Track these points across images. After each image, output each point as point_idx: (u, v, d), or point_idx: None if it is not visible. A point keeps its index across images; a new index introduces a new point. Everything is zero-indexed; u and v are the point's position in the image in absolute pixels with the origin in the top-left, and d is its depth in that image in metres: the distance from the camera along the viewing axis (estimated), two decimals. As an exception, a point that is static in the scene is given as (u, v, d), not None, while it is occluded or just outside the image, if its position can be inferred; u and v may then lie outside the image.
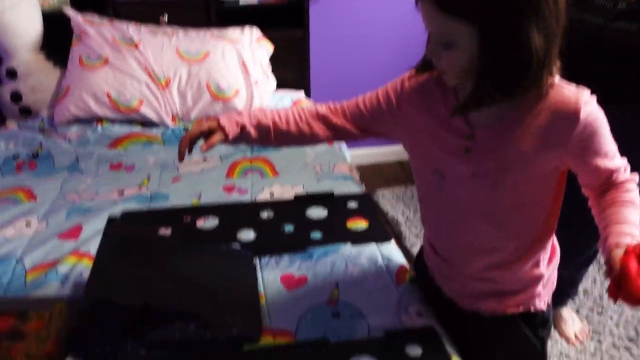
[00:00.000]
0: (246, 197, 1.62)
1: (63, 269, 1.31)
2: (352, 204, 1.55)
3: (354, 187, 1.67)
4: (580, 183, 0.98)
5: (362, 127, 1.09)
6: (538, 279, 1.05)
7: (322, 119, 1.08)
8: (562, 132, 0.87)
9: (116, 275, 1.12)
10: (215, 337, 1.07)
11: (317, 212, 1.52)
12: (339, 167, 1.78)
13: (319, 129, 1.08)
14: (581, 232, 1.36)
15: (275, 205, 1.55)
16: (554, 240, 1.07)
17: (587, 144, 0.89)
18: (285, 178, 1.71)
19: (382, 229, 1.45)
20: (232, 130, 1.03)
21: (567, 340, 1.78)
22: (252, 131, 1.06)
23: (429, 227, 1.15)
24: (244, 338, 1.08)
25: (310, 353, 1.07)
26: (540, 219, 0.99)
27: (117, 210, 1.53)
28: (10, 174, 1.75)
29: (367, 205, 1.54)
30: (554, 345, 1.76)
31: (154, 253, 1.22)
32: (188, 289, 1.14)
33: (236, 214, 1.51)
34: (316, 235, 1.42)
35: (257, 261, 1.33)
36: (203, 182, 1.70)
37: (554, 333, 1.80)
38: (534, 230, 1.00)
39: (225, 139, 1.03)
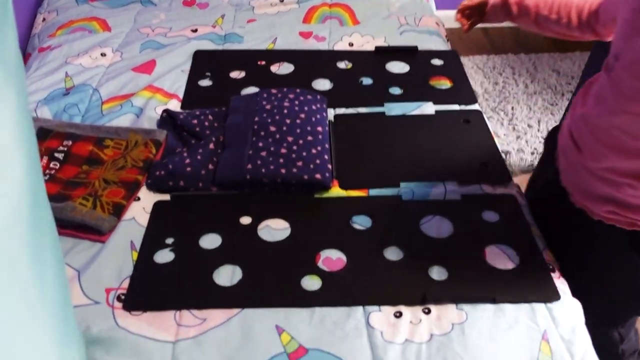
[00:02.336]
0: (323, 45, 1.53)
1: (138, 102, 1.30)
2: (437, 61, 1.44)
3: (440, 43, 1.54)
4: None
5: (600, 24, 0.99)
6: None
7: (581, 12, 1.01)
8: None
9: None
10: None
11: (398, 67, 1.43)
12: (425, 20, 1.63)
13: (577, 24, 1.02)
14: None
15: (354, 55, 1.46)
16: None
17: None
18: (366, 28, 1.59)
19: (468, 89, 1.35)
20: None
21: None
22: (514, 8, 1.09)
23: (580, 105, 0.97)
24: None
25: (382, 205, 1.05)
26: None
27: (190, 48, 1.49)
28: (85, 2, 1.71)
29: (453, 64, 1.43)
30: None
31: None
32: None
33: (312, 62, 1.43)
34: (395, 90, 1.34)
35: (331, 112, 1.27)
36: (279, 25, 1.61)
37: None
38: None
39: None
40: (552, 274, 0.94)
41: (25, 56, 1.55)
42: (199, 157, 1.10)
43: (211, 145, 1.12)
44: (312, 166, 1.06)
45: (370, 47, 1.50)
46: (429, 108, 1.28)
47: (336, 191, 1.08)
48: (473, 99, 1.31)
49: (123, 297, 0.87)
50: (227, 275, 0.92)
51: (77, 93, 1.33)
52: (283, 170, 1.04)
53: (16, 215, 0.51)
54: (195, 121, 1.20)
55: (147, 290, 0.89)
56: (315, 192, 1.07)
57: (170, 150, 1.15)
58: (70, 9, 1.67)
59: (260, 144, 1.09)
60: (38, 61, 1.46)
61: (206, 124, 1.20)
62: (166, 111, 1.23)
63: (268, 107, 1.18)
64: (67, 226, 0.98)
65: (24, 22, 1.68)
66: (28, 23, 1.70)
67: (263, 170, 1.04)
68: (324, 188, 1.06)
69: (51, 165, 1.12)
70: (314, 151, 1.09)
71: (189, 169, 1.07)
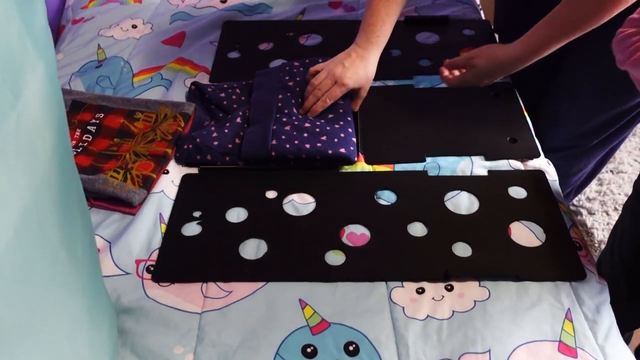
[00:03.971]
0: (352, 15, 1.51)
1: (167, 74, 1.31)
2: (468, 32, 1.41)
3: (471, 12, 1.50)
4: None
5: None
6: None
7: None
8: None
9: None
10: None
11: (428, 38, 1.40)
12: (457, -12, 1.59)
13: None
14: None
15: (383, 26, 1.43)
16: None
17: None
18: (397, -3, 1.56)
19: (499, 61, 1.31)
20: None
21: None
22: None
23: None
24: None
25: (407, 180, 1.05)
26: None
27: (218, 18, 1.48)
28: (116, -27, 1.72)
29: (486, 34, 1.39)
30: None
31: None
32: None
33: (341, 33, 1.41)
34: (426, 62, 1.32)
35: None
36: (308, -5, 1.59)
37: None
38: None
39: None
40: (579, 252, 0.93)
41: (59, 29, 1.57)
42: (226, 130, 1.11)
43: (238, 119, 1.13)
44: (336, 140, 1.06)
45: (400, 17, 1.46)
46: (458, 81, 1.26)
47: (361, 166, 1.08)
48: (504, 71, 1.28)
49: (152, 268, 0.90)
50: (253, 249, 0.94)
51: (109, 65, 1.35)
52: (307, 145, 1.05)
53: (45, 188, 0.53)
54: (222, 94, 1.21)
55: (175, 263, 0.91)
56: (340, 167, 1.08)
57: (199, 124, 1.17)
58: (102, -20, 1.69)
59: (284, 119, 1.10)
60: (72, 33, 1.48)
61: (233, 97, 1.21)
62: (195, 84, 1.24)
63: (290, 84, 1.17)
64: (99, 198, 1.02)
65: (58, -6, 1.70)
66: (61, -5, 1.72)
67: (287, 145, 1.05)
68: (348, 163, 1.07)
69: (84, 137, 1.15)
70: (337, 125, 1.09)
71: (216, 142, 1.08)
